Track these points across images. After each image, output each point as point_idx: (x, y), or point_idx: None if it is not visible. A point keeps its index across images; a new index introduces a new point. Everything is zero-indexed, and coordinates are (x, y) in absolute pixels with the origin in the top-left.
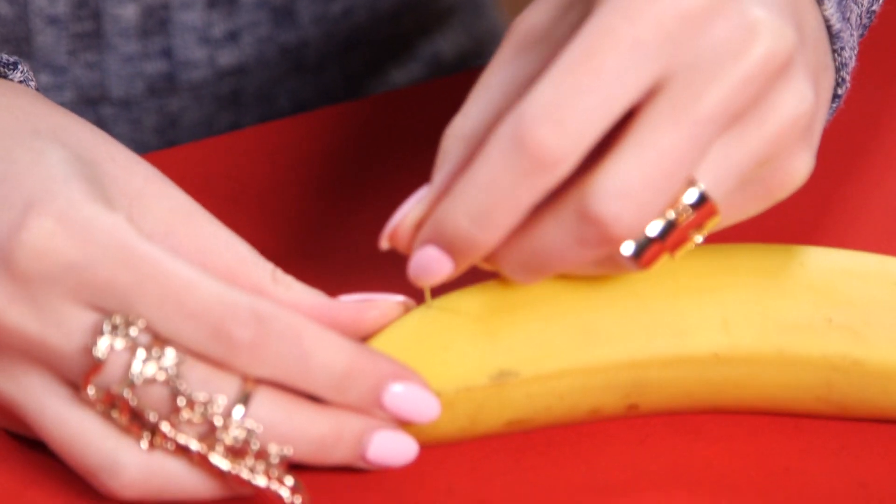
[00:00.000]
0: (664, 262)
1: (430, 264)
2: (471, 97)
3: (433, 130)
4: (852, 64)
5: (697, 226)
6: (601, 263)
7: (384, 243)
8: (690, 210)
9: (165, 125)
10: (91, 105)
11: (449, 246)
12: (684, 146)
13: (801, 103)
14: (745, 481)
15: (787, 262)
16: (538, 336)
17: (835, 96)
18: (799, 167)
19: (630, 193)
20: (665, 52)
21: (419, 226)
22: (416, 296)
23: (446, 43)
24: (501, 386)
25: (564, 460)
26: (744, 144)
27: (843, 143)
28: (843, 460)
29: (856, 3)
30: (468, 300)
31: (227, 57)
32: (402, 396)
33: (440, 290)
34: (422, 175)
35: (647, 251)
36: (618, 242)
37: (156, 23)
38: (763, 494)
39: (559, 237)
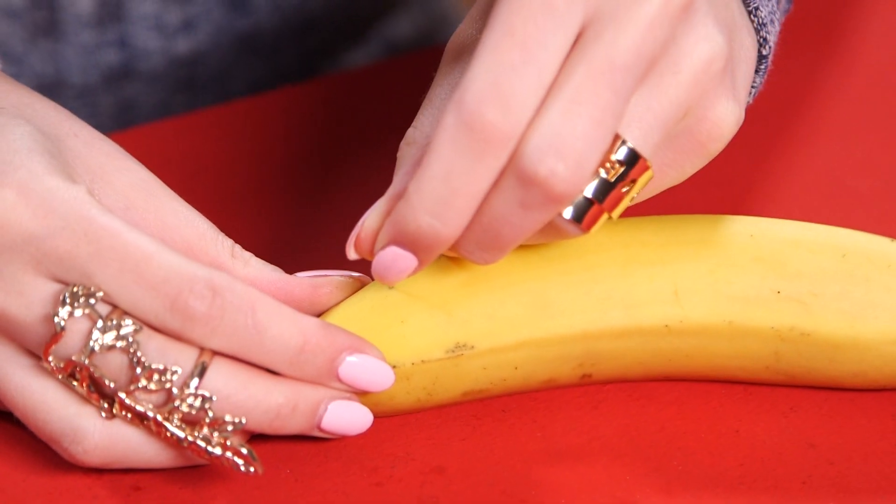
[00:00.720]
0: (605, 223)
1: (394, 263)
2: (420, 111)
3: (388, 109)
4: (774, 28)
5: (631, 182)
6: (545, 232)
7: (350, 253)
8: (621, 167)
9: (122, 110)
10: (48, 93)
11: (413, 244)
12: (605, 94)
13: (711, 46)
14: (696, 444)
15: (737, 234)
16: (493, 309)
17: (761, 57)
18: (723, 114)
19: (560, 146)
20: (574, 9)
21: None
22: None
23: (401, 25)
24: (457, 358)
25: (520, 426)
26: (662, 93)
27: (787, 112)
28: (792, 422)
29: None
30: (423, 275)
31: (182, 45)
32: (358, 367)
33: None
34: (377, 153)
35: (586, 214)
36: (559, 200)
37: (111, 12)
38: (715, 456)
39: (505, 206)
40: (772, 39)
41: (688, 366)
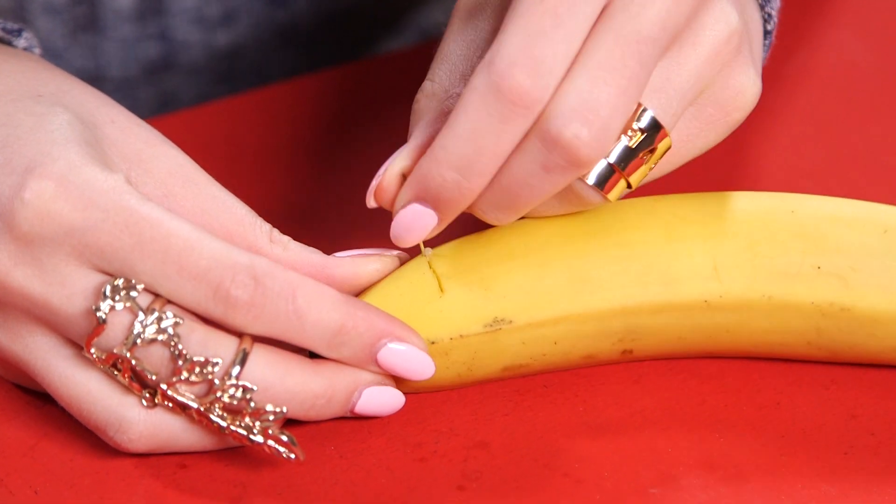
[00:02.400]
0: (624, 191)
1: (414, 221)
2: (433, 65)
3: None
4: (776, 2)
5: (651, 151)
6: (566, 199)
7: (370, 200)
8: (643, 134)
9: (162, 103)
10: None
11: (435, 199)
12: (631, 64)
13: (728, 21)
14: (737, 417)
15: (777, 210)
16: (531, 284)
17: (766, 33)
18: (745, 84)
19: (586, 111)
20: None
21: (403, 180)
22: (411, 251)
23: (435, 14)
24: (496, 333)
25: (562, 400)
26: (682, 65)
27: (825, 88)
28: (833, 394)
29: None
30: (461, 251)
31: (222, 38)
32: (397, 354)
33: (431, 243)
34: None
35: (608, 180)
36: (582, 164)
37: (152, 6)
38: (756, 429)
39: (526, 167)
40: (775, 15)
41: (728, 342)
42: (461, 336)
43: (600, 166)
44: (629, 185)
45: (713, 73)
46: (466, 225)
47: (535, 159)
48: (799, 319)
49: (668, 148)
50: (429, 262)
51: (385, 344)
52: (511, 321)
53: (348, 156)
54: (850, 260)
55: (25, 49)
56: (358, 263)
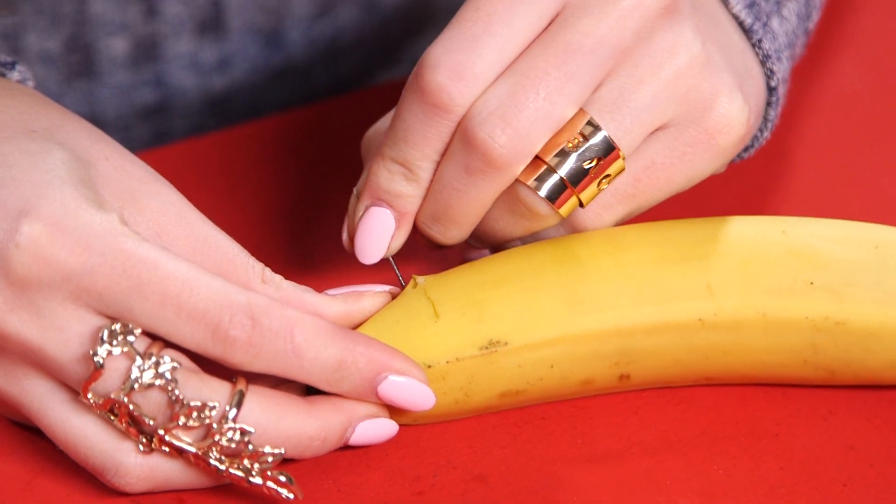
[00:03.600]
0: (573, 207)
1: (374, 223)
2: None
3: None
4: (782, 64)
5: (602, 167)
6: (518, 212)
7: (346, 242)
8: (591, 151)
9: (157, 137)
10: None
11: (389, 196)
12: (554, 72)
13: (689, 47)
14: (736, 447)
15: (769, 230)
16: (526, 306)
17: (771, 90)
18: (727, 107)
19: (503, 115)
20: None
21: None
22: (404, 273)
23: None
24: (492, 355)
25: (560, 432)
26: (638, 85)
27: (818, 114)
28: (831, 425)
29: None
30: (454, 277)
31: (218, 82)
32: (398, 387)
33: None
34: None
35: (560, 195)
36: (498, 167)
37: (146, 53)
38: (755, 459)
39: (452, 170)
40: (780, 73)
41: (725, 363)
42: (457, 359)
43: (552, 180)
44: (581, 203)
45: (677, 96)
46: (455, 260)
47: (459, 161)
48: (794, 336)
49: (622, 170)
50: (423, 289)
51: (386, 377)
52: (507, 343)
53: (348, 186)
54: (842, 275)
55: (19, 82)
56: (350, 301)
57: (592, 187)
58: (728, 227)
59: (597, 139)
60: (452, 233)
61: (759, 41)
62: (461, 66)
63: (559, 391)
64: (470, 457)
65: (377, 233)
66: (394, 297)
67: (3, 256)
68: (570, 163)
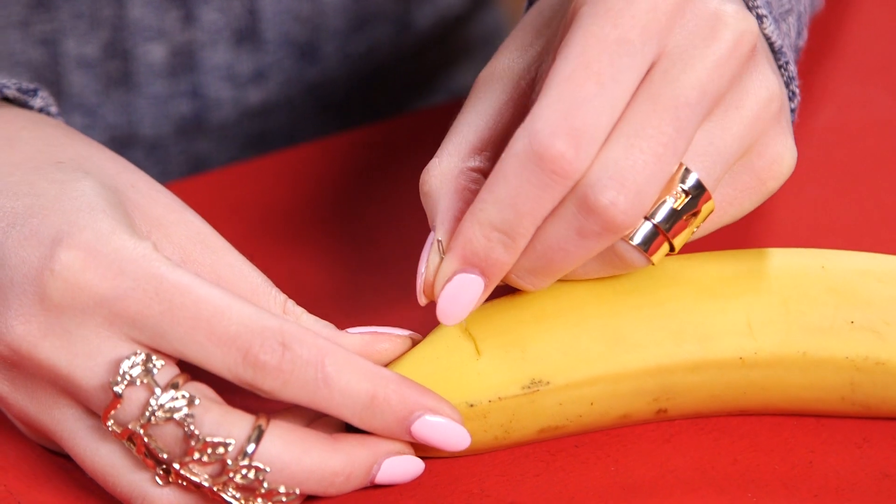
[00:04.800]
0: (668, 256)
1: (462, 290)
2: (444, 143)
3: None
4: (797, 81)
5: (695, 212)
6: (608, 261)
7: (422, 299)
8: (687, 196)
9: (193, 166)
10: (120, 146)
11: (483, 262)
12: (668, 129)
13: (769, 87)
14: (770, 475)
15: (809, 266)
16: (567, 344)
17: (791, 111)
18: (782, 152)
19: (622, 179)
20: (648, 46)
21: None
22: (423, 332)
23: (467, 76)
24: (533, 394)
25: (594, 461)
26: (726, 129)
27: (850, 144)
28: (865, 452)
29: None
30: (494, 313)
31: (253, 95)
32: (432, 426)
33: None
34: None
35: (653, 242)
36: (617, 230)
37: (184, 63)
38: (789, 488)
39: (562, 233)
40: (798, 92)
41: (763, 398)
42: (500, 398)
43: (645, 228)
44: (672, 248)
45: (754, 138)
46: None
47: (571, 225)
48: (833, 374)
49: (712, 211)
50: (464, 325)
51: (420, 416)
52: (549, 382)
53: (381, 215)
54: (883, 314)
55: (42, 109)
56: (368, 342)
57: (686, 232)
58: (767, 262)
59: (691, 183)
60: (546, 284)
61: (787, 63)
62: (579, 132)
63: (597, 425)
64: (503, 485)
65: (465, 300)
66: (414, 342)
67: (38, 283)
68: (664, 209)
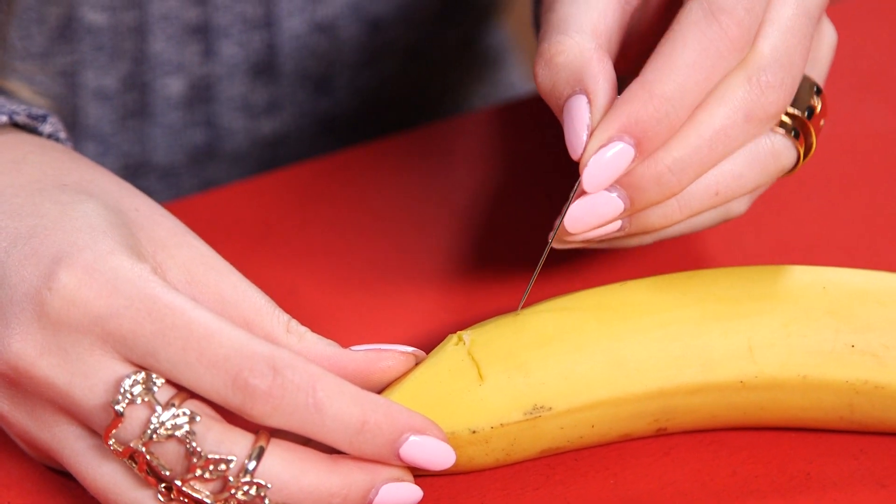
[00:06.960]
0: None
1: (614, 160)
2: (557, 25)
3: (457, 168)
4: None
5: (823, 113)
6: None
7: (575, 156)
8: (816, 96)
9: (204, 190)
10: (133, 174)
11: (643, 132)
12: (809, 30)
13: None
14: (769, 487)
15: (809, 286)
16: (569, 369)
17: None
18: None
19: (785, 62)
20: None
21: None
22: (434, 342)
23: (475, 100)
24: (535, 420)
25: (593, 474)
26: (819, 43)
27: (853, 158)
28: (862, 464)
29: None
30: (495, 335)
31: (266, 126)
32: (418, 447)
33: (461, 324)
34: (446, 212)
35: (801, 133)
36: (778, 113)
37: (200, 94)
38: (787, 499)
39: (729, 115)
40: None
41: (762, 417)
42: (502, 425)
43: (791, 120)
44: (809, 148)
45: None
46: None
47: (739, 107)
48: (833, 397)
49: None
50: (467, 347)
51: (407, 438)
52: (551, 408)
53: (384, 233)
54: (883, 337)
55: (51, 135)
56: (372, 360)
57: (813, 134)
58: (769, 282)
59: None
60: (664, 223)
61: None
62: (752, 2)
63: (597, 444)
64: (503, 499)
65: (615, 167)
66: (418, 360)
67: (37, 301)
68: (802, 105)
